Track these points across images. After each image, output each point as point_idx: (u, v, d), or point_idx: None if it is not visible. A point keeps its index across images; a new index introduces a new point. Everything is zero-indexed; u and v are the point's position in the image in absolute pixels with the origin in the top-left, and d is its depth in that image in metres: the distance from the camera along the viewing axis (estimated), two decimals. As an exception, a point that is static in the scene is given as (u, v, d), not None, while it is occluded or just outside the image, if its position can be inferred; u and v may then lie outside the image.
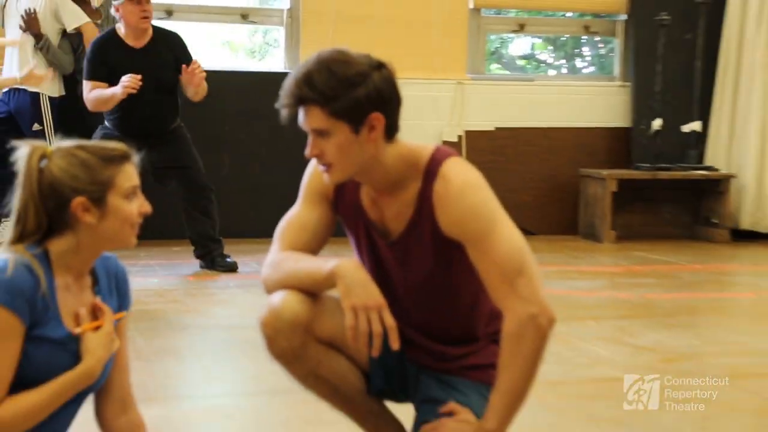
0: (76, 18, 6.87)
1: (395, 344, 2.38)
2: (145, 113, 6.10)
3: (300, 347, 2.50)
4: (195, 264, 6.44)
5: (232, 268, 6.36)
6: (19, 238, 2.17)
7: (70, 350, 2.19)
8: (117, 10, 6.16)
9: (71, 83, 6.97)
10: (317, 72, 2.37)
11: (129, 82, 5.88)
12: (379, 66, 2.42)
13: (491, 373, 2.50)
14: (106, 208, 2.19)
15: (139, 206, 2.24)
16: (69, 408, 2.24)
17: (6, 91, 6.90)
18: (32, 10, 6.73)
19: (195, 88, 6.09)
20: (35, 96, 6.80)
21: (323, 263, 2.46)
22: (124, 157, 2.23)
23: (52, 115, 6.81)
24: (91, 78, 6.14)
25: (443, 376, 2.62)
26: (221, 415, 3.61)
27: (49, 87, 6.86)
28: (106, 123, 6.28)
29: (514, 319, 2.38)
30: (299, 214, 2.63)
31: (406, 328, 2.50)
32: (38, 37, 6.74)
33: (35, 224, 2.17)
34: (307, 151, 2.45)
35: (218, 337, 4.84)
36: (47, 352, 2.14)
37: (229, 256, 6.44)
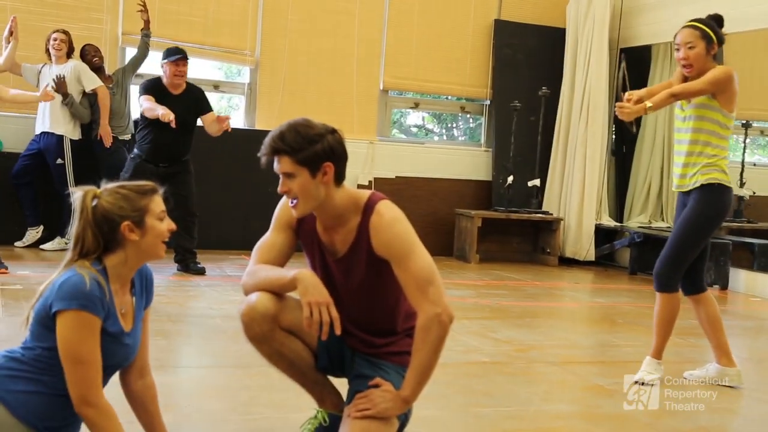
0: (93, 82, 6.80)
1: (338, 330, 2.41)
2: (168, 143, 6.05)
3: (269, 332, 2.51)
4: (174, 267, 6.33)
5: (201, 272, 6.27)
6: (81, 255, 2.16)
7: (120, 341, 2.18)
8: (162, 66, 6.13)
9: (87, 130, 6.91)
10: (288, 132, 2.43)
11: (169, 115, 5.81)
12: (333, 131, 2.48)
13: (407, 358, 2.54)
14: (145, 228, 2.19)
15: (167, 225, 2.26)
16: (108, 375, 2.22)
17: (38, 134, 6.79)
18: (62, 76, 6.65)
19: (218, 131, 6.15)
20: (60, 138, 6.73)
21: (287, 272, 2.50)
22: (153, 191, 2.25)
23: (71, 152, 6.72)
24: (146, 93, 6.03)
25: (371, 358, 2.64)
26: (198, 381, 3.57)
27: (71, 132, 6.78)
28: (136, 150, 6.19)
29: (424, 317, 2.42)
30: (270, 238, 2.64)
31: (345, 322, 2.52)
32: (65, 95, 6.65)
33: (94, 244, 2.16)
34: (279, 189, 2.48)
35: (193, 322, 4.77)
36: (106, 342, 2.13)
37: (199, 263, 6.34)
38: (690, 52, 3.73)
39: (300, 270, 2.47)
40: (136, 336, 2.24)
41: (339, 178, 2.48)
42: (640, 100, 3.64)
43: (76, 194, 2.19)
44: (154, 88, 6.11)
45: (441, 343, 2.45)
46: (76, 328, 2.05)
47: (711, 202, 3.74)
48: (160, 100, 6.02)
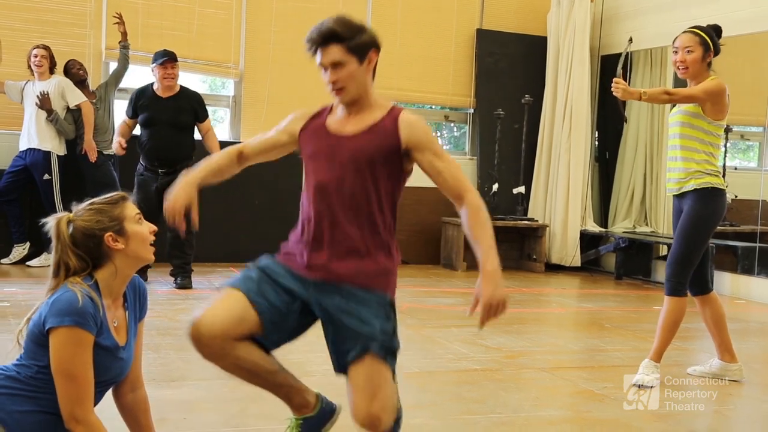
0: (77, 98, 6.79)
1: (195, 226, 2.50)
2: (161, 144, 6.10)
3: (219, 349, 2.45)
4: (163, 282, 6.29)
5: (186, 287, 6.22)
6: (68, 276, 2.16)
7: (114, 355, 2.18)
8: (152, 70, 6.20)
9: (72, 145, 6.89)
10: (336, 23, 2.49)
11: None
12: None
13: (392, 279, 2.51)
14: (127, 234, 2.21)
15: (148, 227, 2.27)
16: (103, 391, 2.23)
17: (23, 149, 6.77)
18: (45, 92, 6.64)
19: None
20: (47, 154, 6.72)
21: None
22: (123, 198, 2.28)
23: (58, 168, 6.71)
24: (127, 115, 6.28)
25: (346, 288, 2.46)
26: (189, 394, 3.54)
27: (57, 147, 6.77)
28: (140, 161, 6.27)
29: (475, 198, 2.48)
30: (265, 135, 2.69)
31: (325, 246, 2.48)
32: (49, 112, 6.64)
33: (80, 265, 2.17)
34: (329, 79, 2.48)
35: (182, 336, 4.66)
36: (101, 356, 2.14)
37: (185, 278, 6.26)
38: (688, 57, 3.88)
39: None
40: (130, 350, 2.24)
41: (375, 70, 2.55)
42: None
43: (49, 223, 2.21)
44: (140, 97, 6.23)
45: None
46: (68, 344, 2.05)
47: (706, 205, 3.87)
48: (148, 106, 6.14)
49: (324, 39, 2.47)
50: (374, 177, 2.51)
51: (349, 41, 2.46)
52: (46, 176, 6.68)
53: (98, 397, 2.21)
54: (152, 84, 6.25)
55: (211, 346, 2.45)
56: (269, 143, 2.68)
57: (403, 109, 2.58)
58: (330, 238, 2.50)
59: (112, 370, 2.19)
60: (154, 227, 2.29)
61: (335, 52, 2.47)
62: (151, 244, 2.27)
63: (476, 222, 2.47)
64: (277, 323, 2.53)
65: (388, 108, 2.57)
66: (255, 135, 2.58)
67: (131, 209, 2.24)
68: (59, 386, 2.07)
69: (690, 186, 3.88)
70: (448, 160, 2.51)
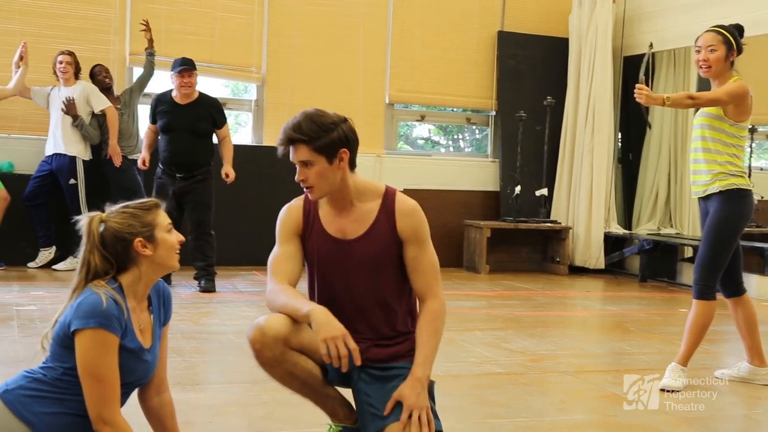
0: (102, 103, 6.86)
1: (357, 362, 2.40)
2: (180, 150, 6.15)
3: (280, 355, 2.49)
4: (187, 286, 6.34)
5: (210, 290, 6.26)
6: (87, 279, 2.18)
7: (139, 357, 2.19)
8: (171, 77, 6.27)
9: (97, 150, 6.96)
10: (303, 121, 2.50)
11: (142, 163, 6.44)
12: (345, 120, 2.56)
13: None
14: (156, 242, 2.22)
15: (176, 236, 2.29)
16: (128, 393, 2.24)
17: (49, 154, 6.85)
18: (71, 98, 6.72)
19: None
20: (72, 158, 6.81)
21: (303, 305, 2.46)
22: (157, 205, 2.30)
23: (83, 172, 6.79)
24: (151, 117, 6.35)
25: (379, 368, 2.61)
26: (214, 397, 3.55)
27: (83, 152, 6.85)
28: (159, 166, 6.31)
29: (437, 302, 2.60)
30: (279, 251, 2.65)
31: (352, 330, 2.53)
32: (75, 117, 6.73)
33: (105, 266, 2.19)
34: (297, 177, 2.53)
35: (207, 339, 4.76)
36: (126, 358, 2.15)
37: (210, 281, 6.31)
38: (710, 55, 3.85)
39: (313, 306, 2.45)
40: (155, 353, 2.26)
41: (353, 163, 2.56)
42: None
43: (82, 221, 2.22)
44: (159, 103, 6.29)
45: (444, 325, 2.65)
46: (93, 346, 2.07)
47: (733, 206, 3.84)
48: (167, 112, 6.19)
49: (288, 140, 2.49)
50: (384, 278, 2.60)
51: (313, 142, 2.47)
52: (72, 181, 6.76)
53: (123, 399, 2.23)
54: (171, 90, 6.30)
55: (273, 348, 2.47)
56: (296, 257, 2.63)
57: (396, 193, 2.59)
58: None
59: (137, 372, 2.20)
60: (182, 237, 2.31)
61: (302, 151, 2.49)
62: (177, 253, 2.28)
63: (427, 329, 2.56)
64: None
65: (380, 194, 2.60)
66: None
67: (164, 217, 2.27)
68: (86, 388, 2.09)
69: (715, 188, 3.84)
70: (429, 256, 2.58)
